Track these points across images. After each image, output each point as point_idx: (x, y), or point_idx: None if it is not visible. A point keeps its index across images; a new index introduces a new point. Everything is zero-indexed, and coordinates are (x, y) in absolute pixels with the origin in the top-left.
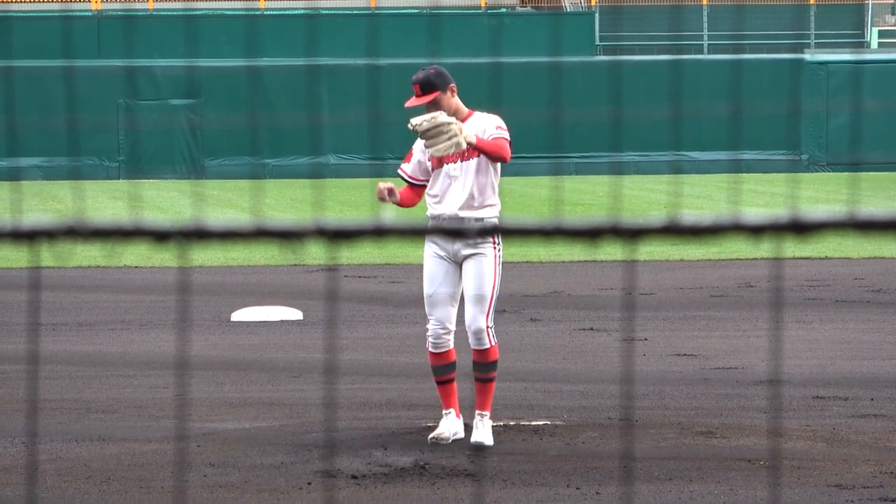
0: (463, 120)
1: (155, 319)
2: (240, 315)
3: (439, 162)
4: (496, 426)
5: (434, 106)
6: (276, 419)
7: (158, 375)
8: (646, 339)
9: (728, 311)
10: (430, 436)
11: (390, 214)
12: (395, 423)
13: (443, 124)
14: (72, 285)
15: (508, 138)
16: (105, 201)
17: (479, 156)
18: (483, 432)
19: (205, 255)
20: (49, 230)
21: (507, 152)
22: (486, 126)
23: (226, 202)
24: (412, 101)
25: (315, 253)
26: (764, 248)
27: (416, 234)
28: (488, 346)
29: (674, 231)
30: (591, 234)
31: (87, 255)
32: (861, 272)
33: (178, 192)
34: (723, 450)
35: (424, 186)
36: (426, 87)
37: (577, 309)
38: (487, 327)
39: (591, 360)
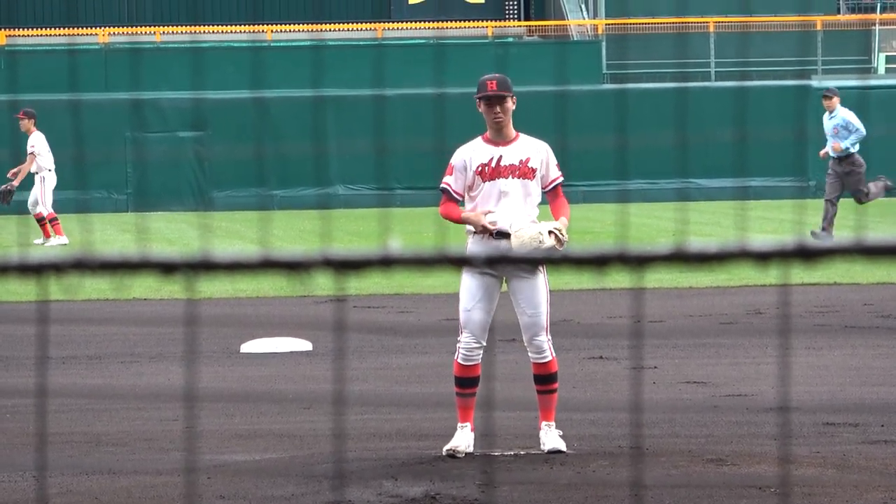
0: (512, 140)
1: (164, 352)
2: (249, 347)
3: (489, 175)
4: (506, 455)
5: (502, 107)
6: (285, 450)
7: (168, 408)
8: (655, 367)
9: (737, 338)
10: (446, 448)
11: (398, 244)
12: (406, 454)
13: (533, 239)
14: (80, 318)
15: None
16: (113, 234)
17: (532, 177)
18: (556, 440)
19: (213, 287)
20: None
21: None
22: (540, 157)
23: (233, 234)
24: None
25: (323, 284)
26: (772, 275)
27: (423, 264)
28: (550, 357)
29: (681, 258)
30: (599, 263)
31: (96, 287)
32: (870, 297)
33: (186, 223)
34: (733, 477)
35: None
36: (503, 85)
37: (586, 337)
38: (547, 340)
39: (601, 388)
